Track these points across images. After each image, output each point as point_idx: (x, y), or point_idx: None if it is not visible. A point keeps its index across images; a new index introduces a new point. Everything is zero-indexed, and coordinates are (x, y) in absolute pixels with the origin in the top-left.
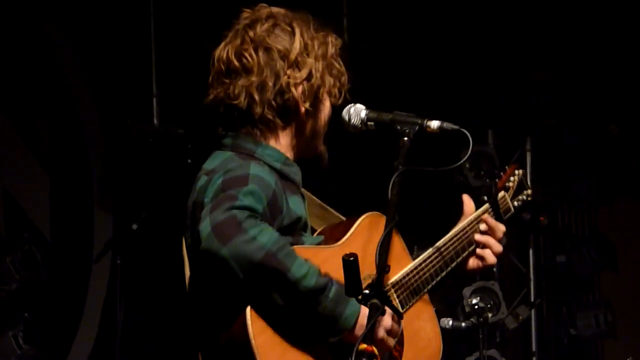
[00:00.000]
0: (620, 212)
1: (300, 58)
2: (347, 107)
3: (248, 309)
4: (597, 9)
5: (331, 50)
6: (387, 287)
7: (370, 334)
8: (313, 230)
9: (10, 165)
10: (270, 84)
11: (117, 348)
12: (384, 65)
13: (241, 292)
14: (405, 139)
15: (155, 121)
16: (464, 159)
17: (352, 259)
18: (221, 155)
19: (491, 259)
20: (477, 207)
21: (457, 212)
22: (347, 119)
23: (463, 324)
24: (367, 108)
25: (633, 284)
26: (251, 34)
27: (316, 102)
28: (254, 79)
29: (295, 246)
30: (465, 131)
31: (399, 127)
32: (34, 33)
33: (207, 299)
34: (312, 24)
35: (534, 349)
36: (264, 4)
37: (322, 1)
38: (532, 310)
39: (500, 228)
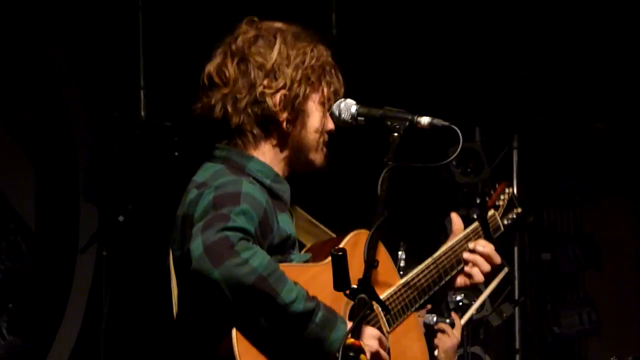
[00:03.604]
0: (605, 210)
1: (278, 67)
2: (337, 102)
3: (234, 329)
4: (586, 8)
5: (315, 60)
6: None
7: (357, 329)
8: (301, 246)
9: None
10: (244, 93)
11: (101, 339)
12: (373, 60)
13: (229, 312)
14: (396, 134)
15: (142, 113)
16: (454, 155)
17: (340, 253)
18: (212, 168)
19: (479, 277)
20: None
21: (447, 209)
22: (337, 113)
23: (447, 320)
24: (357, 103)
25: (617, 283)
26: (233, 47)
27: (296, 112)
28: (227, 90)
29: (282, 264)
30: (456, 128)
31: (389, 123)
32: (19, 25)
33: (194, 318)
34: (299, 36)
35: (517, 346)
36: (254, 17)
37: None
38: (516, 308)
39: (489, 248)
